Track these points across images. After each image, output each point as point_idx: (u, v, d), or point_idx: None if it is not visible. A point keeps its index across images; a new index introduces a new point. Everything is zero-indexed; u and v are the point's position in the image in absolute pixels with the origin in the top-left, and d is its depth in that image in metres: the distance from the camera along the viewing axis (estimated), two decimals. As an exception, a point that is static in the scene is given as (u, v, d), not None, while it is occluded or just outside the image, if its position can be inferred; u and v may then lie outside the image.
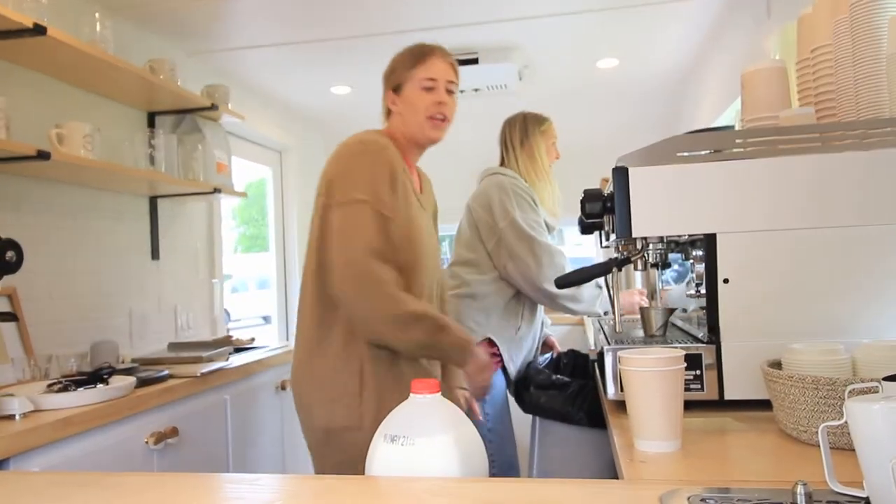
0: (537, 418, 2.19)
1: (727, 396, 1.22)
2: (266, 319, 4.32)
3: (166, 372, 2.12)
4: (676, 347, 1.14)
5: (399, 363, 1.60)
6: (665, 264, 1.52)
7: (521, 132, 2.36)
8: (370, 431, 0.98)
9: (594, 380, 1.83)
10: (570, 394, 1.98)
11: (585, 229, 1.77)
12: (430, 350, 1.61)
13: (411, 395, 0.94)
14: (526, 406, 2.13)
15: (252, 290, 4.35)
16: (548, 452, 2.12)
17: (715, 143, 1.25)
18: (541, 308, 2.36)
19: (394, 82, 1.71)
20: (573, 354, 2.33)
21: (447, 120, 1.70)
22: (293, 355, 1.67)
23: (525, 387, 2.13)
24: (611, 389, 1.29)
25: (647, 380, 1.01)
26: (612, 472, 1.04)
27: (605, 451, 1.86)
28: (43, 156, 1.98)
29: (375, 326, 1.53)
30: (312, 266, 1.61)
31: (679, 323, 1.69)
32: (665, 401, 1.01)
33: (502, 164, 2.37)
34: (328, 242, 1.55)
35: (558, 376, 2.08)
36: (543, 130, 2.36)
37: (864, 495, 0.70)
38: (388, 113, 1.75)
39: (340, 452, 1.54)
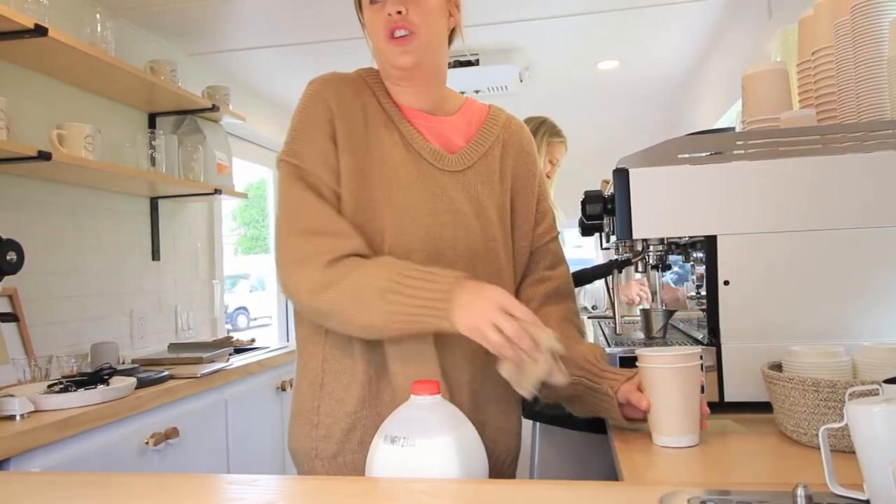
0: (538, 423, 2.18)
1: (727, 398, 1.22)
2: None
3: (166, 373, 2.12)
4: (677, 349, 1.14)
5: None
6: (665, 266, 1.51)
7: None
8: None
9: None
10: None
11: (586, 231, 1.77)
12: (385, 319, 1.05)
13: (411, 396, 0.94)
14: (525, 411, 2.12)
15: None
16: (548, 458, 2.11)
17: (715, 144, 1.25)
18: None
19: None
20: None
21: (413, 34, 1.14)
22: None
23: None
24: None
25: (667, 377, 1.02)
26: (613, 477, 1.03)
27: (606, 455, 1.85)
28: (44, 156, 1.99)
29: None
30: None
31: (679, 325, 1.68)
32: (685, 396, 1.02)
33: None
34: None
35: None
36: (538, 143, 2.33)
37: (865, 498, 0.70)
38: None
39: None
